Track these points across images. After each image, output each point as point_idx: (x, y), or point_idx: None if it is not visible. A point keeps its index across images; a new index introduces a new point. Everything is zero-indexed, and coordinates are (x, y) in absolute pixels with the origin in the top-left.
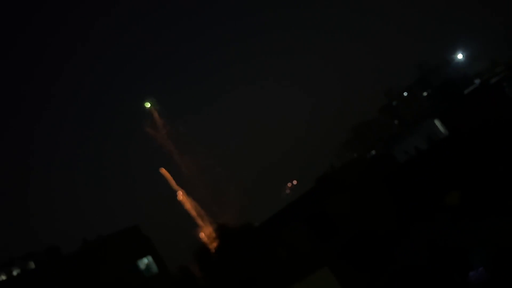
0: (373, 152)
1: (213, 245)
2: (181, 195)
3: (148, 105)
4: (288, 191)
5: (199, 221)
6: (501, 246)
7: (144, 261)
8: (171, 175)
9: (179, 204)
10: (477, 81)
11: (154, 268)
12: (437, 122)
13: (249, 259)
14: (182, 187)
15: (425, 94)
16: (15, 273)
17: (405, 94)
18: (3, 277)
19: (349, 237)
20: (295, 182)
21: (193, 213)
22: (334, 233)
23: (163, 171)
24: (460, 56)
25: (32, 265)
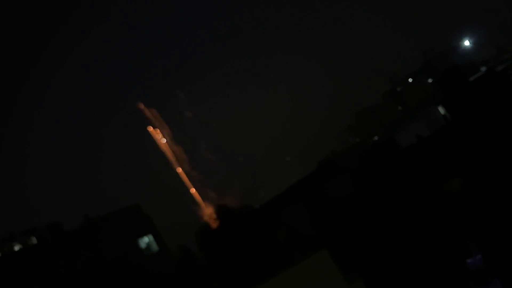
0: (376, 137)
1: (213, 225)
2: (180, 170)
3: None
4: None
5: (200, 200)
6: (499, 233)
7: (145, 240)
8: (173, 154)
9: (180, 182)
10: (483, 68)
11: (155, 247)
12: (441, 109)
13: (248, 241)
14: (184, 164)
15: (430, 80)
16: (16, 248)
17: (410, 80)
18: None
19: (348, 220)
20: None
21: (193, 190)
22: (333, 216)
23: (165, 145)
24: (466, 43)
25: (34, 240)
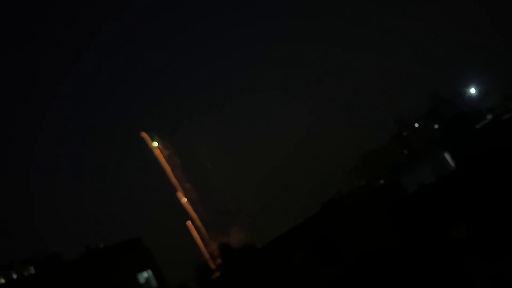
0: (381, 181)
1: (214, 263)
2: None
3: (155, 144)
4: None
5: (201, 239)
6: (507, 282)
7: (144, 275)
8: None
9: (185, 215)
10: (489, 116)
11: (154, 283)
12: (447, 155)
13: (250, 280)
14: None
15: (436, 126)
16: (14, 276)
17: (416, 124)
18: (2, 281)
19: (351, 263)
20: None
21: (197, 236)
22: (338, 258)
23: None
24: (473, 90)
25: (31, 270)
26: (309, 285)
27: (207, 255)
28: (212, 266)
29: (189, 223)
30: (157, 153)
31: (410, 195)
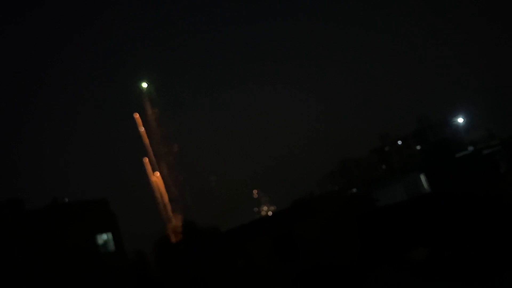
0: (354, 189)
1: (175, 239)
2: (156, 177)
3: (144, 85)
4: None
5: (168, 211)
6: None
7: (104, 237)
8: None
9: (153, 189)
10: (470, 148)
11: (111, 246)
12: (423, 177)
13: (207, 262)
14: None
15: (418, 147)
16: None
17: (399, 142)
18: None
19: (308, 265)
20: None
21: (164, 200)
22: (296, 257)
23: (146, 160)
24: (460, 120)
25: None
26: (264, 277)
27: (169, 230)
28: (173, 240)
29: (155, 177)
30: (145, 100)
31: (378, 209)
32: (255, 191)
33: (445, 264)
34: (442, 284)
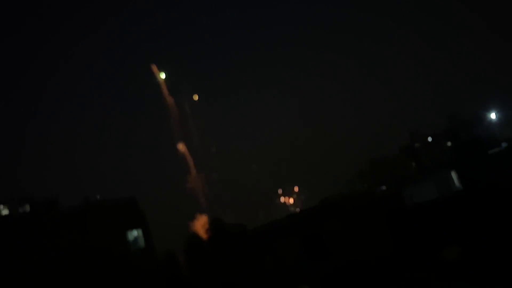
0: (383, 187)
1: (204, 237)
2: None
3: (162, 76)
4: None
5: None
6: None
7: (134, 233)
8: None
9: (186, 189)
10: (504, 144)
11: (142, 242)
12: (454, 175)
13: (235, 260)
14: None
15: (449, 144)
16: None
17: (430, 139)
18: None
19: (338, 265)
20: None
21: (198, 194)
22: (325, 256)
23: (181, 146)
24: (493, 115)
25: (27, 208)
26: (293, 276)
27: (198, 227)
28: (202, 239)
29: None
30: (163, 88)
31: (410, 207)
32: (280, 190)
33: (478, 264)
34: (475, 286)
